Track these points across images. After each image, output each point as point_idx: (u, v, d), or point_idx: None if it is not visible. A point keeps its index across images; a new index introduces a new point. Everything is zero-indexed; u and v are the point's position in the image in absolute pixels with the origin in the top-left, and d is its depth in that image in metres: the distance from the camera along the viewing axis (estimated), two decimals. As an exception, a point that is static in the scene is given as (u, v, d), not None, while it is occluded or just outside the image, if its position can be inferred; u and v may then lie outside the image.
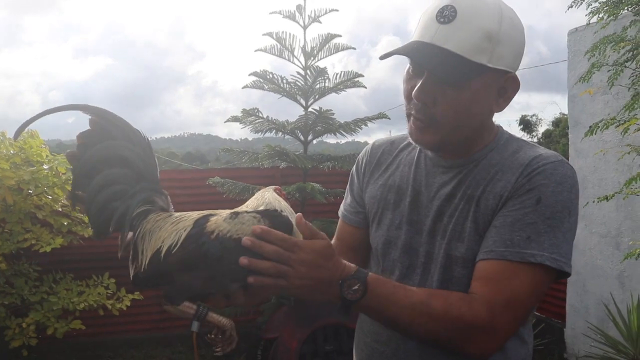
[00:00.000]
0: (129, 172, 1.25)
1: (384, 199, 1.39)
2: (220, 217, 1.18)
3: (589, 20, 3.66)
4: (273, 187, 1.31)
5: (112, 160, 1.24)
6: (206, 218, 1.19)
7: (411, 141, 1.30)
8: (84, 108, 1.23)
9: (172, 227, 1.20)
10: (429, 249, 1.29)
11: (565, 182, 1.17)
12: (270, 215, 1.17)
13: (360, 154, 1.53)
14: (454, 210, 1.26)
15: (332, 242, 1.42)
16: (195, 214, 1.23)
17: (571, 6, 3.67)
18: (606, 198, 3.43)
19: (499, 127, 1.33)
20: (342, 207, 1.53)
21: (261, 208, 1.20)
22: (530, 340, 1.33)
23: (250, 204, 1.24)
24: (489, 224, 1.20)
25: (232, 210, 1.19)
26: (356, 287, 1.11)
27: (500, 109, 1.24)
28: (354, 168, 1.53)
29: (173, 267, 1.16)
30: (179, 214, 1.25)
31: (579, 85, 3.99)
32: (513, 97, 1.24)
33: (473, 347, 1.14)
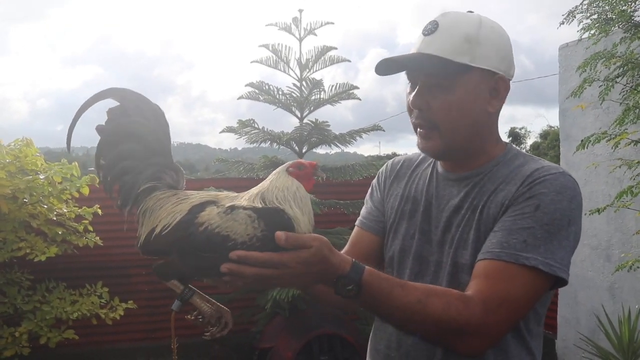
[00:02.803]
0: (141, 148, 1.31)
1: (400, 209, 1.46)
2: (214, 210, 1.17)
3: (581, 36, 3.73)
4: (290, 164, 1.26)
5: (127, 136, 1.31)
6: (202, 206, 1.19)
7: (421, 152, 1.40)
8: (110, 92, 1.32)
9: (171, 207, 1.24)
10: (438, 258, 1.35)
11: (565, 192, 1.21)
12: (267, 215, 1.15)
13: (381, 169, 1.60)
14: (460, 221, 1.31)
15: (345, 249, 1.48)
16: (196, 198, 1.24)
17: (563, 22, 3.74)
18: (598, 211, 3.49)
19: (509, 144, 1.40)
20: (360, 216, 1.57)
21: (259, 204, 1.18)
22: (538, 354, 1.34)
23: (257, 190, 1.23)
24: (490, 231, 1.24)
25: (230, 203, 1.19)
26: (350, 287, 1.13)
27: (494, 109, 1.31)
28: (374, 181, 1.60)
29: (163, 248, 1.22)
30: (184, 193, 1.28)
31: (570, 99, 4.06)
32: (505, 97, 1.32)
33: (464, 346, 1.17)
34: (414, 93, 1.30)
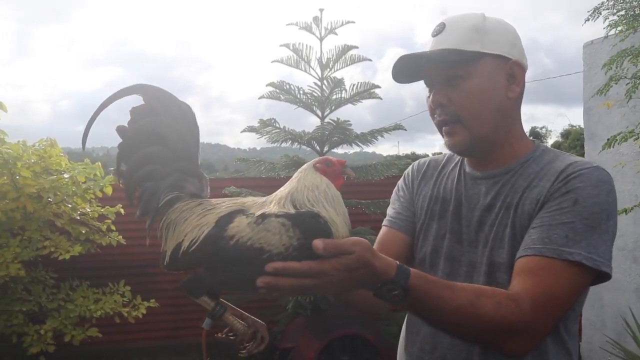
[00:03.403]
0: (165, 151, 1.22)
1: (430, 210, 1.46)
2: (244, 220, 1.09)
3: (607, 33, 3.67)
4: (317, 160, 1.19)
5: (151, 138, 1.22)
6: (230, 217, 1.11)
7: (449, 151, 1.41)
8: (138, 88, 1.24)
9: (196, 220, 1.15)
10: (471, 258, 1.33)
11: (602, 186, 1.21)
12: (302, 221, 1.07)
13: (407, 170, 1.60)
14: (494, 220, 1.30)
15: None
16: (223, 207, 1.15)
17: (588, 19, 3.68)
18: (625, 211, 3.43)
19: (536, 141, 1.40)
20: (388, 216, 1.55)
21: (291, 209, 1.10)
22: (575, 354, 1.32)
23: (285, 190, 1.16)
24: (526, 228, 1.23)
25: (261, 211, 1.10)
26: (396, 292, 1.08)
27: (514, 94, 1.33)
28: (401, 182, 1.60)
29: (191, 264, 1.13)
30: (209, 202, 1.19)
31: (595, 97, 3.99)
32: (523, 81, 1.34)
33: (514, 345, 1.15)
34: (433, 92, 1.33)
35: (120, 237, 4.55)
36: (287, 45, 4.56)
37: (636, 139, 3.32)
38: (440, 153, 1.64)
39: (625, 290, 4.45)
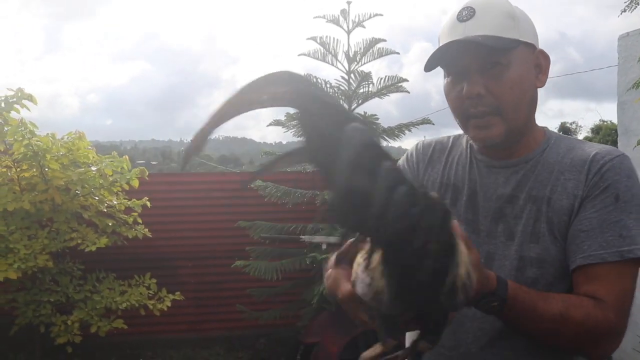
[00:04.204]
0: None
1: (441, 197, 1.34)
2: None
3: (645, 25, 3.55)
4: None
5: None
6: None
7: (475, 145, 1.34)
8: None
9: None
10: (490, 250, 1.27)
11: (634, 175, 1.20)
12: None
13: (410, 151, 1.50)
14: (519, 212, 1.25)
15: None
16: None
17: (625, 10, 3.57)
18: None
19: (546, 128, 1.35)
20: None
21: None
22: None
23: None
24: (565, 224, 1.20)
25: None
26: (495, 303, 1.06)
27: (542, 84, 1.29)
28: (403, 163, 1.48)
29: None
30: None
31: (630, 91, 3.87)
32: (548, 70, 1.30)
33: (600, 350, 1.16)
34: (468, 82, 1.23)
35: (146, 230, 4.58)
36: (314, 39, 4.52)
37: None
38: None
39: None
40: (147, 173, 4.50)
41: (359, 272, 0.90)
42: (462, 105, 1.26)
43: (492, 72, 1.22)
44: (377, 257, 0.83)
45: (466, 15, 1.24)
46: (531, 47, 1.26)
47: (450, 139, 1.46)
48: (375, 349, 0.98)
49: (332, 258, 1.13)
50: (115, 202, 4.48)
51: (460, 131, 1.36)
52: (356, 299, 0.95)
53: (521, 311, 1.09)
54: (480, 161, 1.35)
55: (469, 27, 1.22)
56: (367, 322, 1.01)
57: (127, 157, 4.41)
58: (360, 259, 0.91)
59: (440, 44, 1.26)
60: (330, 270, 1.12)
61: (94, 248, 4.10)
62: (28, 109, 4.06)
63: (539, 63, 1.28)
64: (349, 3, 4.52)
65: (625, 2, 3.50)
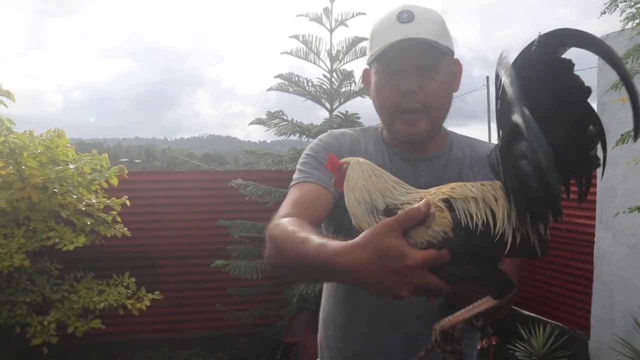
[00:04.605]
0: None
1: None
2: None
3: (624, 27, 3.57)
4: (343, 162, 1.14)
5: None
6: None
7: (401, 138, 1.42)
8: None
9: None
10: None
11: None
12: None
13: (324, 138, 1.52)
14: None
15: (296, 202, 1.35)
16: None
17: (604, 12, 3.59)
18: (638, 209, 3.35)
19: (445, 128, 1.53)
20: (314, 176, 1.42)
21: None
22: None
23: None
24: None
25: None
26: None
27: (457, 90, 1.46)
28: (318, 148, 1.48)
29: None
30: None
31: (610, 92, 3.90)
32: (461, 77, 1.47)
33: None
34: (405, 78, 1.34)
35: (125, 229, 4.53)
36: (296, 37, 4.50)
37: (651, 135, 3.23)
38: None
39: (635, 288, 4.37)
40: (127, 171, 4.44)
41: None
42: (395, 100, 1.37)
43: (426, 73, 1.35)
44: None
45: (407, 17, 1.34)
46: (451, 56, 1.41)
47: (359, 131, 1.55)
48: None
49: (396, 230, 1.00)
50: (94, 201, 4.42)
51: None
52: (434, 260, 0.97)
53: None
54: (396, 154, 1.46)
55: (410, 29, 1.33)
56: (440, 285, 0.98)
57: (106, 155, 4.35)
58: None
59: (378, 41, 1.37)
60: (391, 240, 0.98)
61: (71, 247, 4.05)
62: (5, 106, 4.00)
63: (455, 71, 1.44)
64: (332, 2, 4.51)
65: (605, 4, 3.51)
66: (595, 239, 4.79)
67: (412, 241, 0.99)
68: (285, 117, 4.41)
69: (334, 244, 1.03)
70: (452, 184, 1.07)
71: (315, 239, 1.07)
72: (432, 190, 1.07)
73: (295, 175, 1.47)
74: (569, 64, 0.95)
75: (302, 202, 1.35)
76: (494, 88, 1.03)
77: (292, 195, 1.39)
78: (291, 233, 1.14)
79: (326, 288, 1.56)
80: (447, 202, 1.02)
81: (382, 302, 1.40)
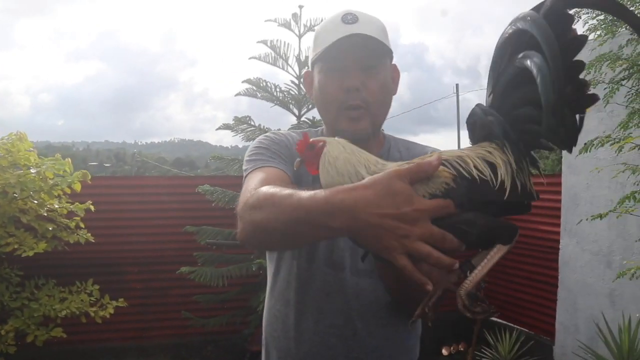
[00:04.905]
0: None
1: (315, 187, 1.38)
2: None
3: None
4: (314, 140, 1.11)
5: None
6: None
7: (345, 136, 1.37)
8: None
9: None
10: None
11: None
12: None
13: (272, 135, 1.49)
14: None
15: (259, 183, 1.26)
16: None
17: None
18: (600, 216, 3.40)
19: (382, 130, 1.58)
20: (271, 162, 1.39)
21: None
22: None
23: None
24: None
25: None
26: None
27: (395, 93, 1.52)
28: (267, 142, 1.46)
29: None
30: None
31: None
32: (398, 82, 1.53)
33: None
34: (349, 75, 1.38)
35: (89, 234, 4.43)
36: (264, 42, 4.47)
37: (612, 144, 3.29)
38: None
39: (598, 294, 4.44)
40: (90, 177, 4.35)
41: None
42: (339, 97, 1.40)
43: (369, 72, 1.40)
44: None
45: (351, 19, 1.39)
46: (391, 61, 1.48)
47: (298, 134, 1.52)
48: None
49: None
50: (56, 206, 4.32)
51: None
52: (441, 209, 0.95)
53: None
54: None
55: (355, 29, 1.37)
56: (444, 236, 0.93)
57: (69, 160, 4.26)
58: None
59: (322, 41, 1.40)
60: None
61: (31, 253, 3.94)
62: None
63: (393, 75, 1.49)
64: (300, 7, 4.50)
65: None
66: (560, 246, 4.86)
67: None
68: (252, 123, 4.38)
69: (332, 188, 0.98)
70: (437, 152, 1.08)
71: (305, 191, 1.02)
72: (415, 160, 1.06)
73: (247, 166, 1.40)
74: (569, 17, 0.97)
75: (269, 182, 1.25)
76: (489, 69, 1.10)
77: (255, 177, 1.31)
78: (277, 190, 1.09)
79: (272, 289, 1.53)
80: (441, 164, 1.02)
81: (332, 300, 1.41)
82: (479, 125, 1.09)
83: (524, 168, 1.03)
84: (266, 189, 1.12)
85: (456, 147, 1.65)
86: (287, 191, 1.06)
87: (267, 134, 1.53)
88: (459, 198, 0.97)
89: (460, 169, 1.01)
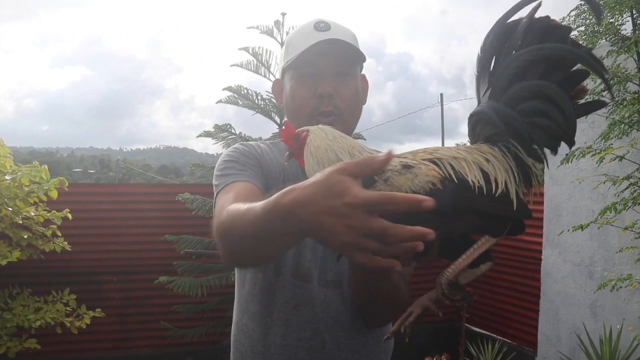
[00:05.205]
0: None
1: None
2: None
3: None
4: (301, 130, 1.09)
5: None
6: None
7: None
8: None
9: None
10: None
11: None
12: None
13: (240, 147, 1.46)
14: None
15: (231, 202, 1.24)
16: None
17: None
18: (581, 227, 3.39)
19: None
20: (242, 176, 1.37)
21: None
22: None
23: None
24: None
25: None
26: None
27: (365, 102, 1.51)
28: (236, 155, 1.43)
29: None
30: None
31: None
32: (368, 92, 1.54)
33: None
34: (323, 81, 1.38)
35: (66, 243, 4.34)
36: (246, 49, 4.43)
37: (594, 154, 3.29)
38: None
39: (580, 305, 4.44)
40: (67, 184, 4.27)
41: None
42: (312, 104, 1.39)
43: (342, 79, 1.41)
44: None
45: (324, 27, 1.40)
46: (361, 70, 1.49)
47: (270, 145, 1.52)
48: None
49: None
50: (32, 214, 4.23)
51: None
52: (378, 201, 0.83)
53: None
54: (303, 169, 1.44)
55: (328, 36, 1.38)
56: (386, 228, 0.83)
57: (46, 166, 4.18)
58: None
59: (295, 49, 1.40)
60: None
61: (4, 262, 3.85)
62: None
63: (363, 85, 1.50)
64: (283, 15, 4.46)
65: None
66: (542, 256, 4.86)
67: (395, 189, 0.95)
68: (233, 131, 4.33)
69: (281, 191, 0.94)
70: (431, 148, 1.06)
71: (261, 202, 0.98)
72: (407, 153, 1.03)
73: (218, 181, 1.38)
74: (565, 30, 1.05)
75: (238, 199, 1.22)
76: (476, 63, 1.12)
77: (224, 197, 1.29)
78: (237, 211, 1.07)
79: (239, 303, 1.51)
80: (433, 162, 1.00)
81: (299, 312, 1.39)
82: (483, 123, 1.08)
83: (525, 179, 1.04)
84: (226, 215, 1.10)
85: None
86: (244, 208, 1.03)
87: (235, 145, 1.51)
88: (442, 203, 0.88)
89: (451, 172, 0.97)
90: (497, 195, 0.98)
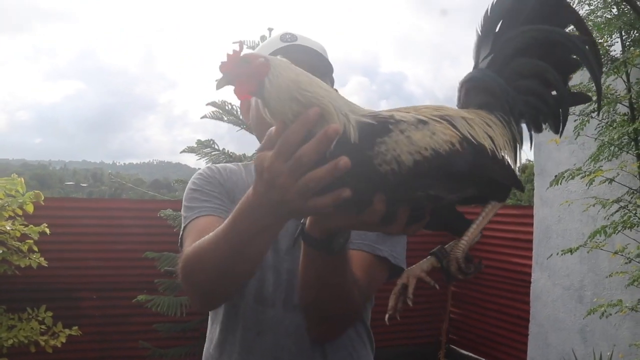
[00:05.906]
0: None
1: None
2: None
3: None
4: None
5: None
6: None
7: None
8: None
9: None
10: (289, 267, 1.34)
11: None
12: None
13: (206, 171, 1.48)
14: None
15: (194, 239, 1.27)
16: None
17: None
18: (570, 251, 3.32)
19: None
20: (206, 209, 1.37)
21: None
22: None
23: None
24: None
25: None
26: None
27: None
28: (202, 182, 1.44)
29: None
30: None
31: (545, 133, 3.91)
32: None
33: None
34: None
35: (42, 258, 4.20)
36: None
37: (583, 176, 3.22)
38: None
39: (570, 330, 4.34)
40: (43, 197, 4.15)
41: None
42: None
43: None
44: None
45: (290, 38, 1.38)
46: (332, 83, 1.45)
47: (241, 166, 1.51)
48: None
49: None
50: (8, 228, 4.10)
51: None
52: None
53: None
54: None
55: (300, 43, 1.38)
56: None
57: (22, 179, 4.06)
58: None
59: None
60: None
61: (-25, 278, 3.72)
62: None
63: None
64: (270, 30, 4.39)
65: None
66: (531, 279, 4.77)
67: (412, 143, 0.88)
68: (216, 146, 4.23)
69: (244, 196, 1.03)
70: (433, 105, 1.01)
71: (225, 221, 1.08)
72: (409, 107, 0.97)
73: (185, 214, 1.41)
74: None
75: (204, 235, 1.22)
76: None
77: (191, 231, 1.33)
78: (199, 242, 1.15)
79: (209, 330, 1.47)
80: (445, 120, 0.95)
81: (262, 339, 1.34)
82: (480, 90, 1.05)
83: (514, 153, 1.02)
84: (191, 251, 1.17)
85: None
86: (207, 236, 1.12)
87: (200, 171, 1.50)
88: (461, 165, 0.90)
89: (466, 133, 0.94)
90: (504, 162, 0.98)
